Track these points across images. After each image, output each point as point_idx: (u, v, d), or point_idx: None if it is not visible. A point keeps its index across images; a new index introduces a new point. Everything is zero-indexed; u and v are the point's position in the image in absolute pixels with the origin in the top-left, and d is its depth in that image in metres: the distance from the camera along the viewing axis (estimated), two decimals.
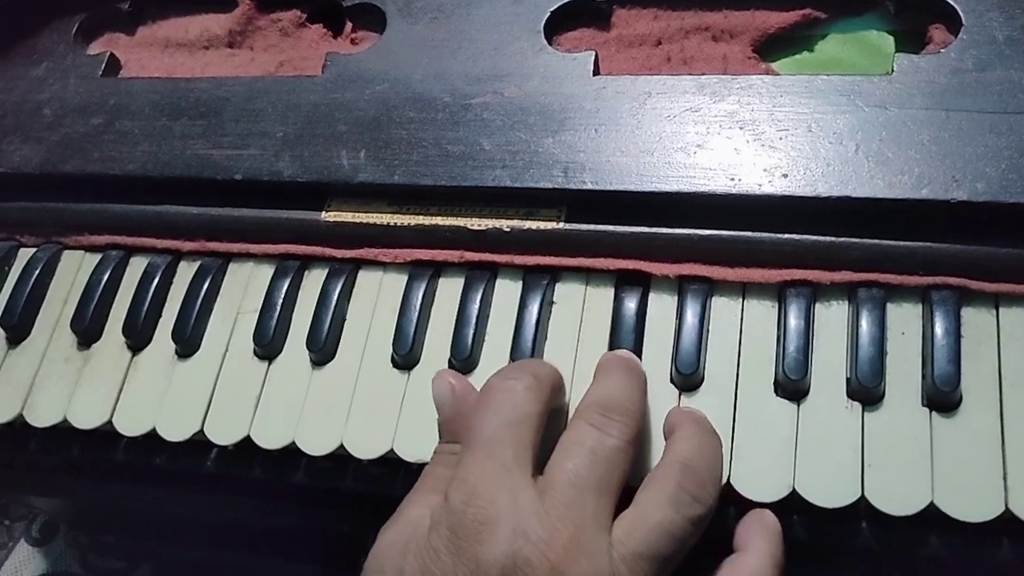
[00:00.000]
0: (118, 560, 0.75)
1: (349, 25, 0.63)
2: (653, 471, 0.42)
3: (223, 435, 0.51)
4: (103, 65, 0.63)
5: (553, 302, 0.51)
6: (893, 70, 0.49)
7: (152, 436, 0.53)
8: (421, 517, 0.41)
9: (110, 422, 0.53)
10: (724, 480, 0.44)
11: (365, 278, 0.54)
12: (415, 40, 0.58)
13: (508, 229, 0.51)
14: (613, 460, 0.41)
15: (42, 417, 0.54)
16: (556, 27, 0.57)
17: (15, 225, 0.61)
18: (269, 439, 0.51)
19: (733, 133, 0.49)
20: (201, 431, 0.52)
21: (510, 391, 0.43)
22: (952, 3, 0.51)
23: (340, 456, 0.50)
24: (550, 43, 0.56)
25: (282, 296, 0.54)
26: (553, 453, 0.41)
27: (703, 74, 0.52)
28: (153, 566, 0.74)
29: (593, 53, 0.54)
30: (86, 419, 0.54)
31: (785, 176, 0.47)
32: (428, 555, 0.39)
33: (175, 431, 0.52)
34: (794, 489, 0.44)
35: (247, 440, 0.51)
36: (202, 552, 0.72)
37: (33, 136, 0.60)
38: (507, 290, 0.52)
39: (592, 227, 0.51)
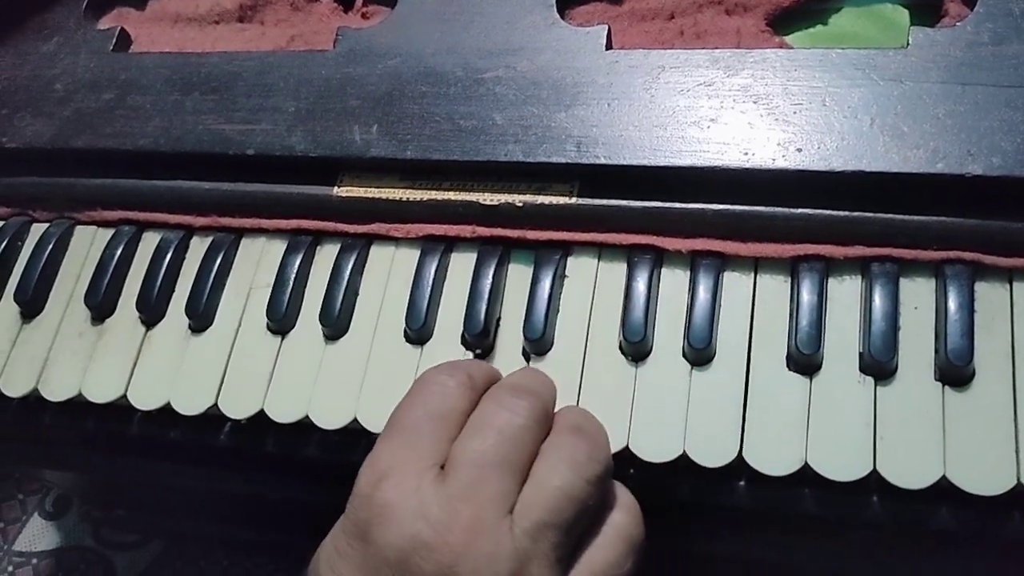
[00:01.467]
0: (131, 534, 0.76)
1: None
2: (547, 440, 0.41)
3: (237, 409, 0.52)
4: (114, 40, 0.62)
5: (565, 276, 0.51)
6: (908, 43, 0.49)
7: (166, 410, 0.53)
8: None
9: (124, 396, 0.54)
10: (736, 453, 0.45)
11: (377, 253, 0.54)
12: (427, 14, 0.57)
13: (520, 204, 0.51)
14: (519, 438, 0.40)
15: (57, 391, 0.55)
16: (568, 1, 0.57)
17: (27, 200, 0.61)
18: (282, 413, 0.51)
19: (747, 107, 0.49)
20: (215, 405, 0.52)
21: (441, 385, 0.42)
22: None
23: (353, 430, 0.50)
24: (562, 17, 0.55)
25: (295, 271, 0.54)
26: (462, 432, 0.41)
27: (716, 48, 0.52)
28: (166, 540, 0.75)
29: (606, 27, 0.53)
30: (101, 393, 0.54)
31: (799, 150, 0.47)
32: (337, 538, 0.40)
33: (189, 405, 0.52)
34: (806, 463, 0.44)
35: (260, 414, 0.51)
36: (215, 525, 0.73)
37: (44, 111, 0.60)
38: (519, 265, 0.52)
39: (605, 202, 0.51)
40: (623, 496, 0.42)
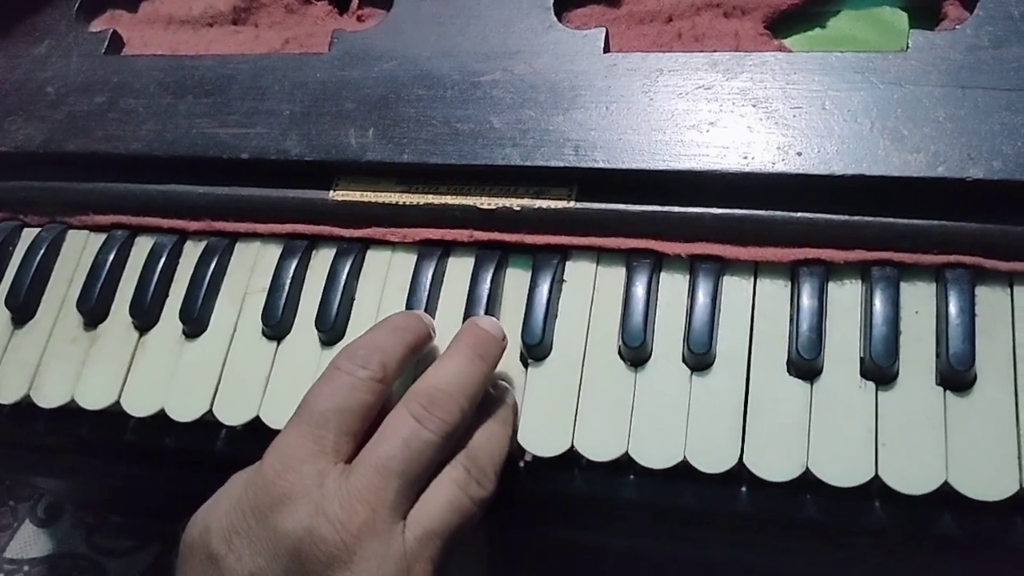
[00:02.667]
0: (125, 540, 0.75)
1: (355, 1, 0.62)
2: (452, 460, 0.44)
3: (232, 415, 0.51)
4: (106, 43, 0.62)
5: (564, 281, 0.51)
6: (908, 47, 0.49)
7: (161, 416, 0.52)
8: (226, 493, 0.44)
9: (118, 403, 0.53)
10: (736, 459, 0.44)
11: (374, 257, 0.54)
12: (423, 17, 0.57)
13: (518, 208, 0.51)
14: (423, 452, 0.42)
15: (49, 398, 0.54)
16: (565, 3, 0.57)
17: (18, 204, 0.61)
18: (279, 420, 0.50)
19: (746, 111, 0.49)
20: (210, 412, 0.52)
21: (352, 375, 0.44)
22: None
23: None
24: (559, 20, 0.55)
25: (290, 276, 0.54)
26: (374, 435, 0.43)
27: (715, 51, 0.52)
28: (160, 545, 0.74)
29: (603, 30, 0.53)
30: (94, 400, 0.53)
31: (799, 154, 0.47)
32: (235, 515, 0.42)
33: (184, 412, 0.52)
34: (807, 468, 0.44)
35: (257, 420, 0.51)
36: None
37: (36, 115, 0.60)
38: (517, 269, 0.52)
39: (603, 206, 0.50)
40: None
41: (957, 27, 0.49)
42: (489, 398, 0.47)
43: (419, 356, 0.48)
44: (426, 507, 0.42)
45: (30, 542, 0.77)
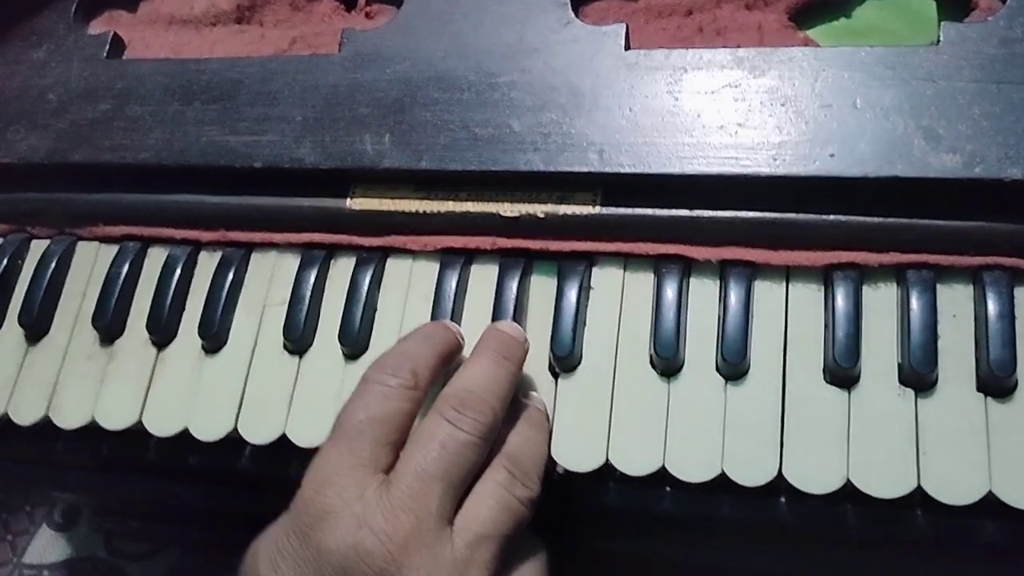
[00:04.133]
0: (145, 543, 0.75)
1: None
2: (493, 461, 0.43)
3: (258, 434, 0.51)
4: (107, 46, 0.60)
5: (591, 288, 0.50)
6: (940, 40, 0.47)
7: (184, 434, 0.52)
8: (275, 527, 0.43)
9: (139, 422, 0.52)
10: (776, 471, 0.44)
11: (394, 266, 0.53)
12: (434, 14, 0.55)
13: (542, 215, 0.50)
14: (462, 454, 0.42)
15: (69, 418, 0.53)
16: None
17: (25, 216, 0.59)
18: (306, 436, 0.50)
19: (775, 110, 0.47)
20: (235, 430, 0.51)
21: (385, 386, 0.43)
22: None
23: None
24: (576, 15, 0.53)
25: (310, 287, 0.52)
26: (407, 444, 0.43)
27: (739, 46, 0.50)
28: (181, 549, 0.74)
29: (624, 26, 0.52)
30: (115, 420, 0.53)
31: (832, 156, 0.46)
32: (280, 537, 0.41)
33: (208, 431, 0.51)
34: (848, 479, 0.43)
35: (283, 438, 0.50)
36: (231, 533, 0.72)
37: (39, 124, 0.58)
38: (543, 276, 0.51)
39: (630, 211, 0.49)
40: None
41: (989, 18, 0.47)
42: (520, 405, 0.47)
43: (450, 365, 0.47)
44: (472, 511, 0.41)
45: (48, 547, 0.76)
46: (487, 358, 0.46)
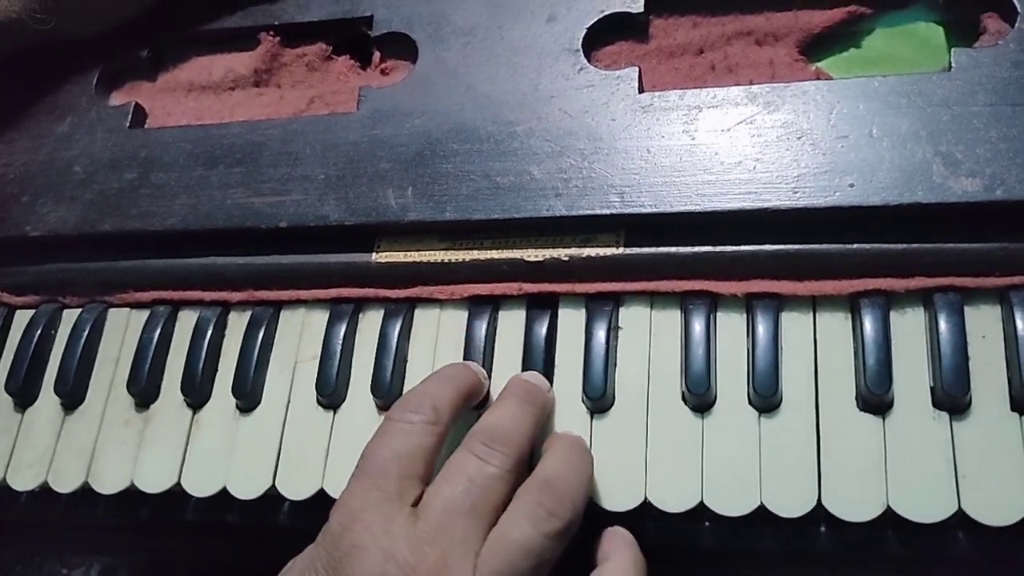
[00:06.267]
0: None
1: (377, 55, 0.61)
2: (519, 489, 0.43)
3: (297, 490, 0.51)
4: (129, 116, 0.61)
5: (619, 328, 0.50)
6: (951, 65, 0.48)
7: (223, 493, 0.52)
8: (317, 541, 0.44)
9: (179, 484, 0.53)
10: (815, 502, 0.44)
11: (422, 316, 0.54)
12: (450, 68, 0.56)
13: (567, 258, 0.50)
14: (489, 487, 0.42)
15: (108, 484, 0.54)
16: (593, 43, 0.56)
17: (56, 286, 0.60)
18: None
19: (792, 144, 0.48)
20: (273, 487, 0.51)
21: (407, 423, 0.44)
22: None
23: None
24: (589, 60, 0.54)
25: (340, 342, 0.53)
26: (436, 478, 0.43)
27: (752, 82, 0.51)
28: None
29: (636, 69, 0.52)
30: (154, 482, 0.53)
31: (851, 186, 0.46)
32: (309, 572, 0.42)
33: (247, 489, 0.52)
34: (888, 506, 0.43)
35: (321, 492, 0.50)
36: None
37: (66, 196, 0.59)
38: (571, 319, 0.51)
39: (653, 250, 0.50)
40: (620, 543, 0.45)
41: (999, 42, 0.48)
42: (556, 434, 0.48)
43: (473, 403, 0.48)
44: (495, 548, 0.41)
45: None
46: (511, 400, 0.47)
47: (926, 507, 0.43)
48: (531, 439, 0.46)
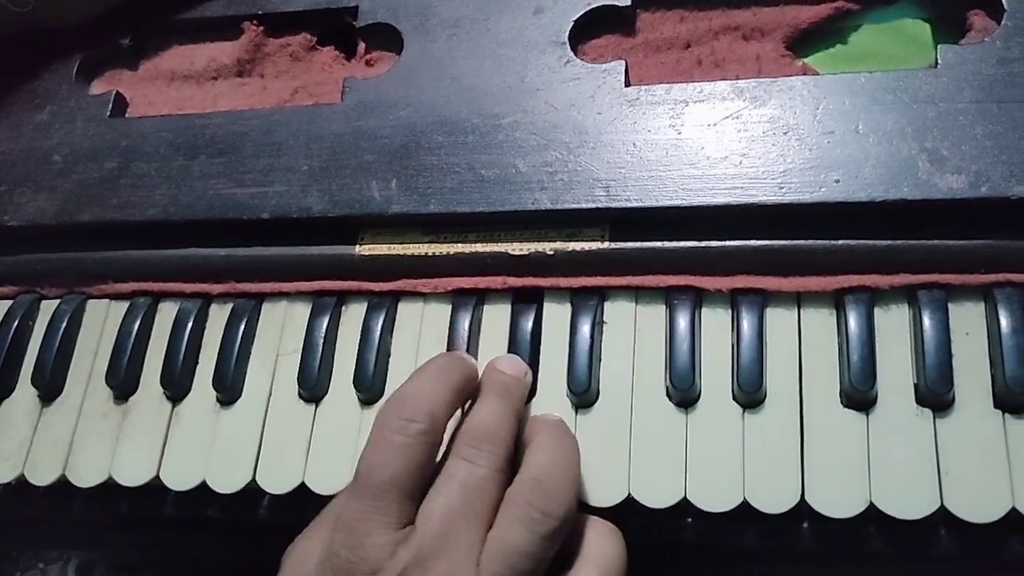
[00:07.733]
0: None
1: (362, 46, 0.61)
2: (509, 489, 0.43)
3: (277, 483, 0.50)
4: (110, 105, 0.61)
5: (604, 322, 0.50)
6: (938, 62, 0.48)
7: (202, 488, 0.51)
8: (311, 553, 0.44)
9: (158, 477, 0.52)
10: (798, 497, 0.44)
11: (406, 310, 0.53)
12: (435, 59, 0.56)
13: (551, 252, 0.50)
14: (483, 489, 0.42)
15: (86, 477, 0.53)
16: (579, 36, 0.55)
17: (34, 277, 0.60)
18: (325, 485, 0.50)
19: (778, 139, 0.48)
20: (253, 480, 0.51)
21: (405, 436, 0.43)
22: None
23: None
24: (575, 53, 0.54)
25: (322, 335, 0.53)
26: (430, 489, 0.43)
27: (738, 77, 0.51)
28: None
29: (623, 62, 0.52)
30: (132, 476, 0.52)
31: (837, 181, 0.46)
32: None
33: (226, 483, 0.51)
34: (871, 502, 0.43)
35: (302, 486, 0.50)
36: None
37: (45, 185, 0.58)
38: (555, 314, 0.51)
39: (638, 244, 0.49)
40: (600, 533, 0.45)
41: (986, 39, 0.48)
42: (540, 421, 0.47)
43: (467, 399, 0.47)
44: (495, 553, 0.41)
45: None
46: (492, 397, 0.47)
47: (909, 504, 0.43)
48: (514, 432, 0.46)
